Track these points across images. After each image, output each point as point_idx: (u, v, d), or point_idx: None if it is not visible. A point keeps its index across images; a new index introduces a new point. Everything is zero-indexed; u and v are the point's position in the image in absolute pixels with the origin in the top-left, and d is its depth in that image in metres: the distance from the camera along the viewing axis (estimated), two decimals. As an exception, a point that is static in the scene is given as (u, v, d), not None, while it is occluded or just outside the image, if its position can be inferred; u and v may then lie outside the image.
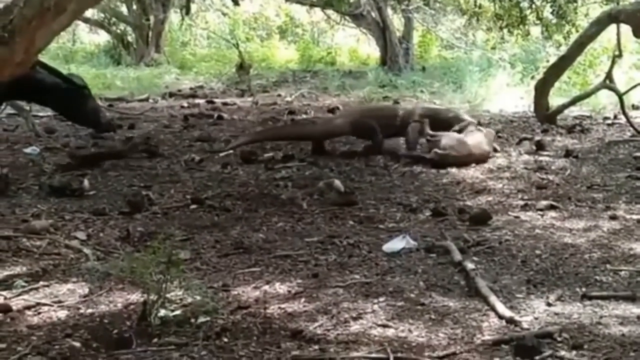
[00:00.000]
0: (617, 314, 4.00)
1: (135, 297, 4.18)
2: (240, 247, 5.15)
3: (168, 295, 3.94)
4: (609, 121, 10.33)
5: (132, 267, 4.09)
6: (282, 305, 4.16)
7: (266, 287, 4.44)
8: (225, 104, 12.36)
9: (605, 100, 11.18)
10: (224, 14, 20.82)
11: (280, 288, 4.43)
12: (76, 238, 5.31)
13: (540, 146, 8.38)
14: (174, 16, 19.71)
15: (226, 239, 5.34)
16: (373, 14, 16.63)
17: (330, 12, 18.29)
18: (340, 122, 8.50)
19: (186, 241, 5.28)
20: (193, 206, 6.19)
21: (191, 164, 7.69)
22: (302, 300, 4.24)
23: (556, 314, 4.01)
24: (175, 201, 6.35)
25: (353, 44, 20.14)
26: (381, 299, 4.23)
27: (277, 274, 4.68)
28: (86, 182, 6.66)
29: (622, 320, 3.90)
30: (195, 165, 7.65)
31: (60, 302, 4.20)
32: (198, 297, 4.05)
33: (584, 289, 4.35)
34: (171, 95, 13.53)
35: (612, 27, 9.92)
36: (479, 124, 8.50)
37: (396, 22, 17.51)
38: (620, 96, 9.62)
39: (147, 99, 12.91)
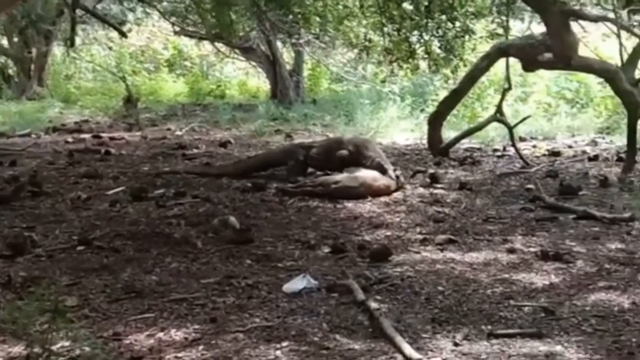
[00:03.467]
0: (525, 352, 3.91)
1: (18, 350, 3.85)
2: (132, 291, 4.86)
3: (54, 348, 3.65)
4: (499, 153, 10.48)
5: (14, 316, 3.78)
6: (179, 354, 3.92)
7: (161, 335, 4.19)
8: (112, 138, 11.97)
9: (494, 132, 11.36)
10: (110, 47, 20.34)
11: (176, 335, 4.18)
12: (-49, 286, 4.92)
13: (434, 179, 8.37)
14: (57, 49, 19.14)
15: (116, 283, 5.04)
16: (263, 47, 16.53)
17: (219, 45, 18.10)
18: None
19: (73, 286, 4.98)
20: (80, 247, 5.86)
21: (77, 202, 7.33)
22: (200, 347, 4.00)
23: (464, 354, 3.90)
24: (61, 242, 6.01)
25: (242, 77, 19.98)
26: (284, 344, 4.03)
27: (172, 319, 4.42)
28: (-38, 224, 6.25)
29: (531, 359, 3.82)
30: (81, 204, 7.30)
31: None
32: (87, 349, 3.76)
33: (489, 327, 4.26)
34: (55, 130, 13.01)
35: (500, 61, 10.13)
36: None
37: (286, 55, 17.47)
38: (510, 129, 9.78)
39: (29, 134, 12.39)
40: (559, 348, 3.97)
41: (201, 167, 9.31)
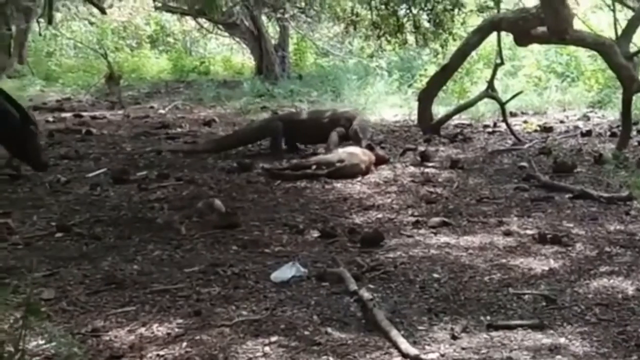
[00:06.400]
0: (527, 345, 3.70)
1: (-10, 349, 3.62)
2: (112, 282, 4.62)
3: (28, 346, 3.40)
4: (490, 129, 10.24)
5: (-15, 312, 3.55)
6: (161, 352, 3.69)
7: (142, 330, 3.95)
8: (94, 117, 11.66)
9: (483, 107, 11.12)
10: (91, 23, 19.94)
11: (159, 330, 3.95)
12: None
13: (425, 157, 8.14)
14: (37, 26, 18.76)
15: (96, 273, 4.80)
16: (247, 23, 16.22)
17: (202, 20, 17.76)
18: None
19: (50, 277, 4.73)
20: (58, 234, 5.61)
21: (56, 186, 7.07)
22: (184, 344, 3.77)
23: (463, 348, 3.69)
24: (39, 229, 5.75)
25: (226, 53, 19.66)
26: (273, 339, 3.81)
27: (154, 313, 4.19)
28: None
29: (534, 354, 3.60)
30: (61, 187, 7.04)
31: None
32: (63, 348, 3.53)
33: (488, 317, 4.05)
34: (35, 108, 12.62)
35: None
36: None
37: (270, 30, 17.16)
38: (502, 105, 9.55)
39: (9, 114, 12.04)
40: (562, 340, 3.76)
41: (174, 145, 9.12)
